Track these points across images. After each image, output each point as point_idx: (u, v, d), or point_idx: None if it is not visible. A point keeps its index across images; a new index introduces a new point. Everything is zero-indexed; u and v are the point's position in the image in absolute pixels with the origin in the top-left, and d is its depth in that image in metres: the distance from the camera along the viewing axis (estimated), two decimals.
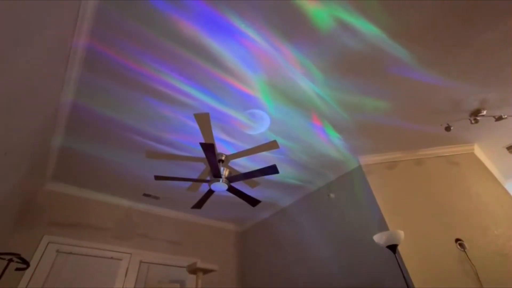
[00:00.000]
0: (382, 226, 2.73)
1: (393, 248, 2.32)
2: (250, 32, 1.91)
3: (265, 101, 2.46)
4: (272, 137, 2.87)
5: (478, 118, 2.64)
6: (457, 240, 2.53)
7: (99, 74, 2.16)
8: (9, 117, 1.62)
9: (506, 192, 2.90)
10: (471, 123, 2.70)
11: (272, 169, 2.32)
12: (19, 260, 2.44)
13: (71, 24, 1.78)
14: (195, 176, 3.46)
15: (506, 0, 1.75)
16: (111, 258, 3.53)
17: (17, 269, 2.50)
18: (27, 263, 2.49)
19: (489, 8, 1.79)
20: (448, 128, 2.70)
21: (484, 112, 2.61)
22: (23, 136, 1.96)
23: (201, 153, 2.99)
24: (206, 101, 2.44)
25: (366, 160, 3.24)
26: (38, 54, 1.55)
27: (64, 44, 1.84)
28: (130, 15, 1.78)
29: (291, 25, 1.86)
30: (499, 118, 2.58)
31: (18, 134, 1.86)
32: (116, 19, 1.81)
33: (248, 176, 2.46)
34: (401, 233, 2.34)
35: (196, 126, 2.67)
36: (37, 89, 1.79)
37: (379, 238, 2.39)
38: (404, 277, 2.15)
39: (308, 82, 2.28)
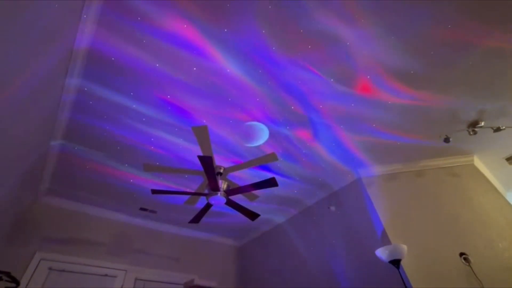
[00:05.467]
0: (384, 240, 2.67)
1: (396, 263, 2.26)
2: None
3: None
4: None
5: (476, 129, 2.65)
6: (461, 254, 2.47)
7: (97, 81, 2.16)
8: (2, 129, 1.59)
9: (508, 203, 2.86)
10: (470, 134, 2.70)
11: (271, 182, 2.29)
12: (8, 279, 2.35)
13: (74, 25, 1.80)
14: (193, 189, 3.41)
15: (501, 11, 1.79)
16: (106, 275, 3.41)
17: None
18: (17, 282, 2.40)
19: (485, 20, 1.83)
20: (447, 140, 2.69)
21: (482, 123, 2.62)
22: (17, 149, 1.93)
23: (199, 166, 2.96)
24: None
25: (366, 172, 3.21)
26: (36, 63, 1.55)
27: (66, 42, 1.85)
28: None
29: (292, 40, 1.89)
30: (497, 129, 2.58)
31: (12, 146, 1.83)
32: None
33: (247, 189, 2.42)
34: (404, 247, 2.29)
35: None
36: (33, 100, 1.78)
37: (381, 252, 2.33)
38: None
39: (305, 93, 2.29)
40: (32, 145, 2.18)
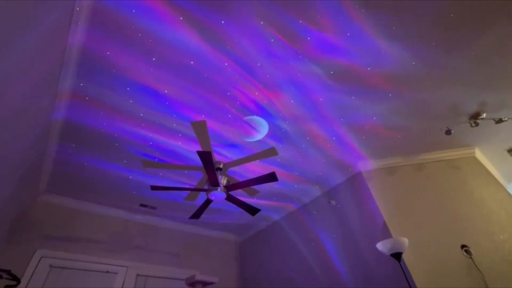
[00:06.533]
0: (385, 233, 2.66)
1: (397, 256, 2.25)
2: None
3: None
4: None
5: (478, 121, 2.62)
6: (463, 246, 2.46)
7: (93, 78, 2.13)
8: (1, 128, 1.56)
9: (510, 195, 2.85)
10: (471, 126, 2.67)
11: (271, 177, 2.27)
12: (9, 277, 2.34)
13: (65, 23, 1.75)
14: (192, 185, 3.39)
15: (502, 3, 1.75)
16: (107, 272, 3.41)
17: (6, 286, 2.40)
18: (17, 280, 2.39)
19: (487, 12, 1.79)
20: (448, 132, 2.67)
21: (484, 115, 2.59)
22: (15, 147, 1.90)
23: (198, 162, 2.94)
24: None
25: (366, 166, 3.19)
26: (32, 64, 1.51)
27: (59, 41, 1.81)
28: None
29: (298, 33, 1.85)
30: (499, 121, 2.56)
31: (11, 145, 1.80)
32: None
33: (247, 184, 2.40)
34: (405, 241, 2.27)
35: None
36: (31, 100, 1.74)
37: (382, 246, 2.32)
38: (410, 286, 2.08)
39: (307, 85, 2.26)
40: (30, 144, 2.15)
